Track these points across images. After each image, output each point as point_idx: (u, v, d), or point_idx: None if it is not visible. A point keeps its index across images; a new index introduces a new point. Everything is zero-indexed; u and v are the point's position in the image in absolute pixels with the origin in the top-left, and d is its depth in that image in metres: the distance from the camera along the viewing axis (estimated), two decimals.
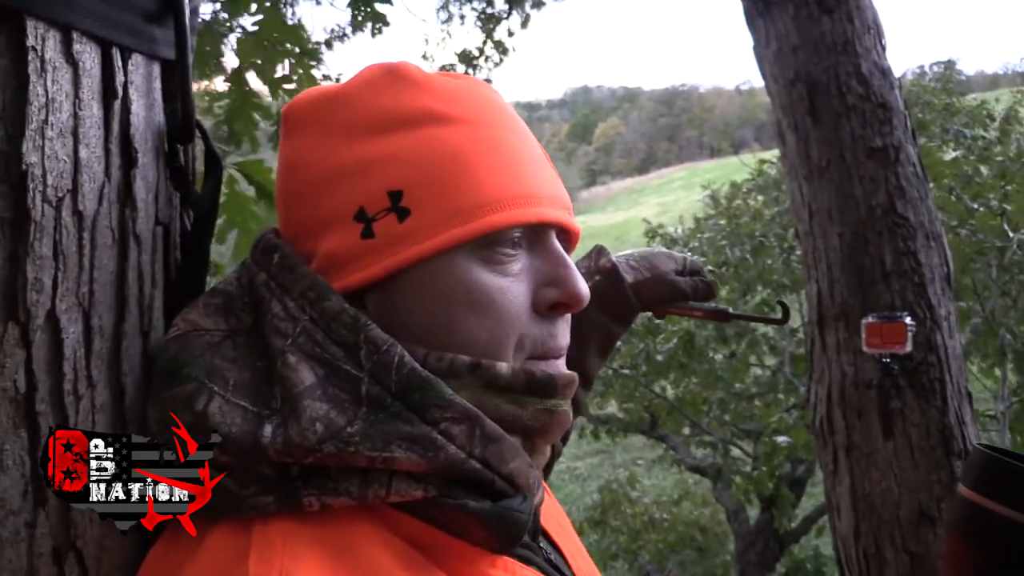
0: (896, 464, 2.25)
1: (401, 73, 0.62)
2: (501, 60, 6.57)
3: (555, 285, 0.60)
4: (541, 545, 0.62)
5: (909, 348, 2.17)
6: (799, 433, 5.25)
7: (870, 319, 2.23)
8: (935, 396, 2.25)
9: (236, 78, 1.92)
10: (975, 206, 4.99)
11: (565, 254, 0.62)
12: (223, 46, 2.07)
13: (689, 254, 1.02)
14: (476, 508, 0.52)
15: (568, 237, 0.65)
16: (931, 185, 2.51)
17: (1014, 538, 0.78)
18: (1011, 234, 4.57)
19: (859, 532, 2.31)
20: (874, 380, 2.27)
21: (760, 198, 8.37)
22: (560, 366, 0.61)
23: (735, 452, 7.24)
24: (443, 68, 6.90)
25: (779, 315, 1.06)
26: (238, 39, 2.00)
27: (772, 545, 7.53)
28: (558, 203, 0.62)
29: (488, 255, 0.58)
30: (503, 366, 0.57)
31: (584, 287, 0.60)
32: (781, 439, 5.53)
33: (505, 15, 6.39)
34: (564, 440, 0.97)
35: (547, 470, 0.82)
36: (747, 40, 2.72)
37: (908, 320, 2.19)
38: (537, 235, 0.61)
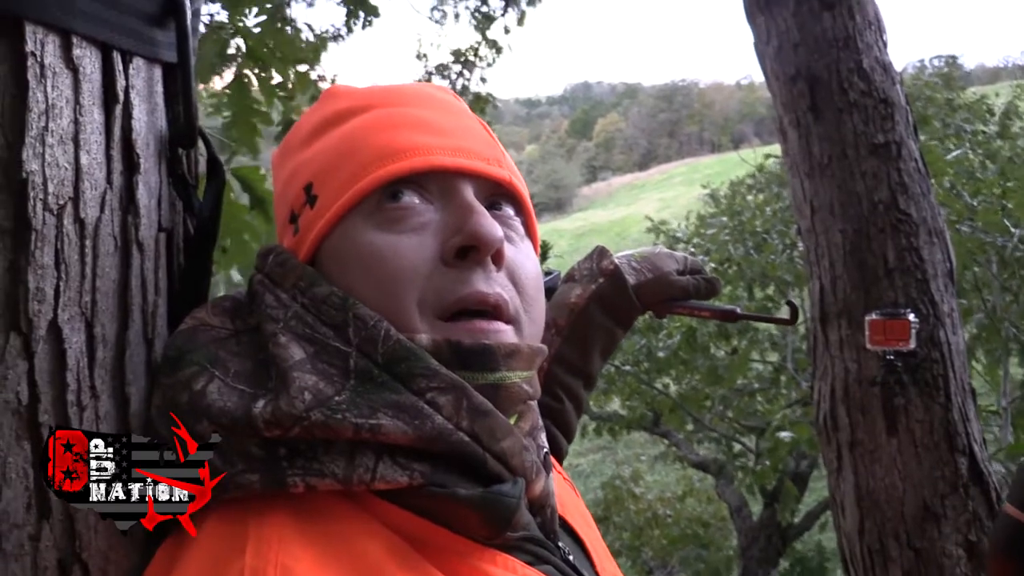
0: (900, 461, 2.25)
1: (330, 92, 0.68)
2: (495, 60, 6.55)
3: (459, 231, 0.57)
4: (560, 544, 0.59)
5: (913, 345, 2.17)
6: (803, 429, 5.25)
7: (873, 316, 2.22)
8: (939, 392, 2.24)
9: (238, 84, 1.92)
10: (975, 203, 4.98)
11: (473, 200, 0.59)
12: (227, 49, 2.07)
13: (690, 252, 1.03)
14: (466, 496, 0.50)
15: (512, 197, 0.64)
16: (931, 182, 2.50)
17: None
18: (1013, 230, 4.56)
19: (863, 529, 2.31)
20: (878, 377, 2.26)
21: (761, 196, 8.37)
22: (497, 333, 0.56)
23: (738, 448, 7.25)
24: (438, 67, 6.89)
25: (787, 315, 1.02)
26: (238, 46, 2.01)
27: (775, 540, 7.55)
28: (467, 154, 0.60)
29: (382, 216, 0.58)
30: (422, 338, 0.54)
31: (489, 228, 0.56)
32: (784, 434, 5.52)
33: (500, 13, 6.37)
34: (568, 439, 0.97)
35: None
36: (747, 34, 2.72)
37: (911, 317, 2.18)
38: (445, 188, 0.59)
